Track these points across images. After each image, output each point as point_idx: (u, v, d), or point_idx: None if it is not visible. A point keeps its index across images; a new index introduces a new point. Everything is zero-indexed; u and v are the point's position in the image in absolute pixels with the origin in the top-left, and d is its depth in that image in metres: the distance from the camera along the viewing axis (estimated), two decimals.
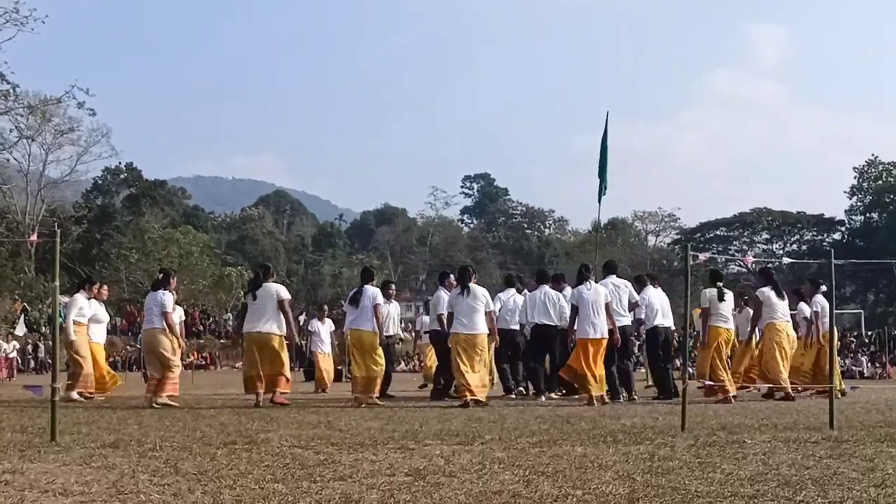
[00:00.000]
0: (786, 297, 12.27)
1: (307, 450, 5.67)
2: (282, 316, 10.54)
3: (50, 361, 30.96)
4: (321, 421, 8.06)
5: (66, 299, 12.90)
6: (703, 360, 11.60)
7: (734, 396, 11.10)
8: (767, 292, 11.90)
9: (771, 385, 11.70)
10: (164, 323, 10.96)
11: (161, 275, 11.79)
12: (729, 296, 11.65)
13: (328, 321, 16.72)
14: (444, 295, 12.52)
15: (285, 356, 10.66)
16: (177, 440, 6.29)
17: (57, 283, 6.92)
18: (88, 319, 12.04)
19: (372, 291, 10.85)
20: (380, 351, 10.81)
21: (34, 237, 9.82)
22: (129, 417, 8.61)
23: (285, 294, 10.65)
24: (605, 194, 18.67)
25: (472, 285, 10.71)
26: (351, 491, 4.09)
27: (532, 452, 5.52)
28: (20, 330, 32.57)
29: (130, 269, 48.33)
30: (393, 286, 13.89)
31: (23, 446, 5.90)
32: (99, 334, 12.46)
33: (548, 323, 11.99)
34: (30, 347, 33.72)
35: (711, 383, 11.06)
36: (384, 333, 11.25)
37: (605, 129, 17.43)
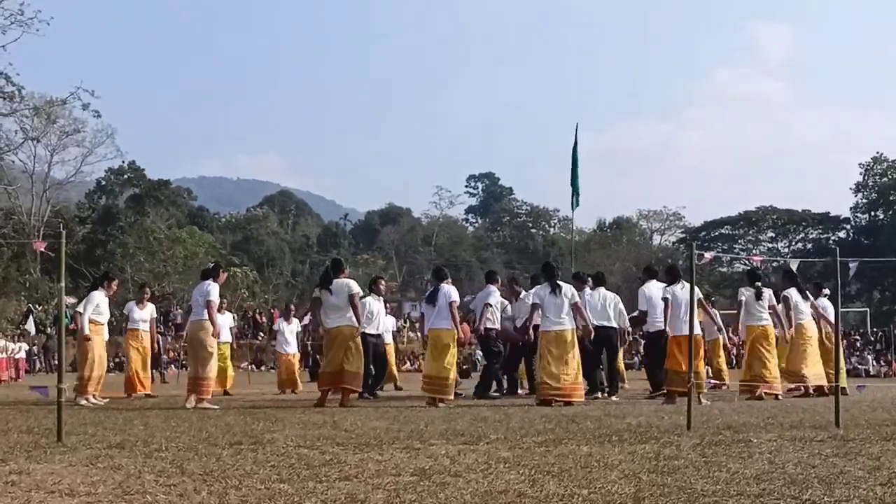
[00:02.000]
0: (809, 296, 12.43)
1: (313, 450, 5.67)
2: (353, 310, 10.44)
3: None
4: (326, 421, 8.06)
5: (71, 300, 12.81)
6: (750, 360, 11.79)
7: (777, 395, 11.32)
8: (794, 294, 12.03)
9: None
10: (207, 314, 10.53)
11: (211, 265, 11.47)
12: (766, 294, 11.81)
13: (294, 321, 16.34)
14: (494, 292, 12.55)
15: (360, 353, 10.57)
16: (182, 441, 6.30)
17: (63, 285, 6.94)
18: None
19: (447, 290, 10.81)
20: (454, 350, 10.76)
21: (40, 244, 9.86)
22: (135, 418, 8.62)
23: (357, 289, 10.57)
24: (577, 204, 19.12)
25: (560, 282, 10.77)
26: (356, 491, 4.10)
27: (537, 452, 5.52)
28: (30, 328, 32.68)
29: (136, 270, 48.39)
30: (383, 283, 13.82)
31: (29, 447, 5.91)
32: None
33: (606, 324, 12.14)
34: (35, 348, 33.78)
35: (716, 382, 11.15)
36: (362, 329, 11.19)
37: (574, 139, 17.62)
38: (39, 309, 37.99)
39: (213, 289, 10.62)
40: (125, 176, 64.12)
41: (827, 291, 12.73)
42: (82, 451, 5.64)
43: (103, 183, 64.53)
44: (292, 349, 15.78)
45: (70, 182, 56.47)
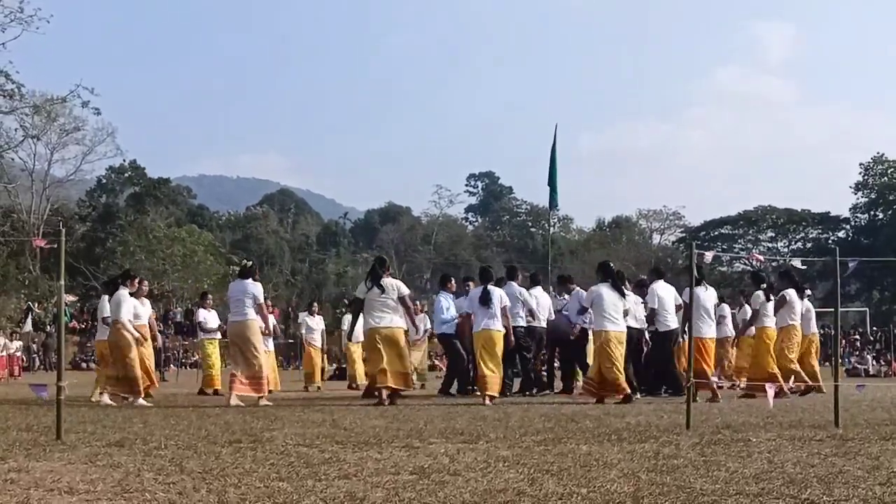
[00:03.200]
0: (806, 298, 12.54)
1: (312, 448, 5.67)
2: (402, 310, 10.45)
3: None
4: (326, 419, 8.06)
5: (71, 298, 12.70)
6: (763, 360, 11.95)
7: (790, 389, 11.44)
8: (792, 295, 12.08)
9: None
10: (256, 314, 10.50)
11: (249, 263, 11.36)
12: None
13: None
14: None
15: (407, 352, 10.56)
16: (182, 439, 6.30)
17: (62, 283, 6.94)
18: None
19: (499, 292, 10.93)
20: (501, 352, 10.85)
21: (40, 240, 9.82)
22: (135, 416, 8.62)
23: (406, 289, 10.56)
24: (557, 206, 19.37)
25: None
26: (356, 489, 4.10)
27: (537, 451, 5.52)
28: (27, 328, 32.64)
29: (135, 268, 48.33)
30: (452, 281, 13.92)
31: (28, 445, 5.91)
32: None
33: (632, 326, 12.21)
34: (34, 346, 33.79)
35: (719, 383, 11.31)
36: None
37: (553, 141, 17.74)
38: (38, 307, 37.95)
39: (258, 288, 10.60)
40: (126, 174, 64.10)
41: (809, 293, 12.89)
42: (81, 449, 5.64)
43: (104, 181, 64.54)
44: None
45: (70, 180, 56.41)
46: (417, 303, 11.43)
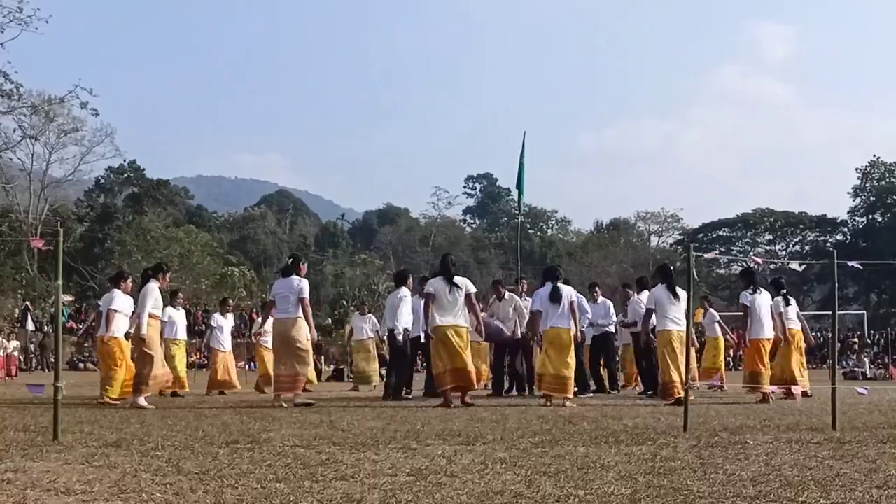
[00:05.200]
0: (794, 304, 12.69)
1: (309, 449, 5.67)
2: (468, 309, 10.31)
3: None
4: (323, 421, 8.06)
5: (68, 297, 12.61)
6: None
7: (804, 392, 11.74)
8: (779, 301, 12.31)
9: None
10: (301, 311, 10.30)
11: (291, 260, 10.98)
12: (792, 301, 12.51)
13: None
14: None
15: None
16: (179, 439, 6.30)
17: (60, 282, 6.93)
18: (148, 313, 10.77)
19: (568, 290, 10.85)
20: (572, 350, 10.76)
21: (37, 240, 9.73)
22: (132, 416, 8.61)
23: (473, 287, 10.43)
24: (522, 207, 19.66)
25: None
26: (353, 491, 4.09)
27: (534, 453, 5.52)
28: (29, 326, 32.61)
29: (132, 268, 48.28)
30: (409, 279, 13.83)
31: (25, 445, 5.90)
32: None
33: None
34: (31, 346, 33.75)
35: (720, 384, 11.48)
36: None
37: (522, 147, 17.86)
38: (34, 308, 37.91)
39: (304, 285, 10.42)
40: (125, 175, 64.10)
41: (784, 291, 13.00)
42: (78, 450, 5.63)
43: (102, 181, 64.52)
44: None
45: (68, 180, 56.35)
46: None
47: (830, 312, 8.39)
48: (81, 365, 30.98)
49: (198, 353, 31.32)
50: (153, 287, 10.82)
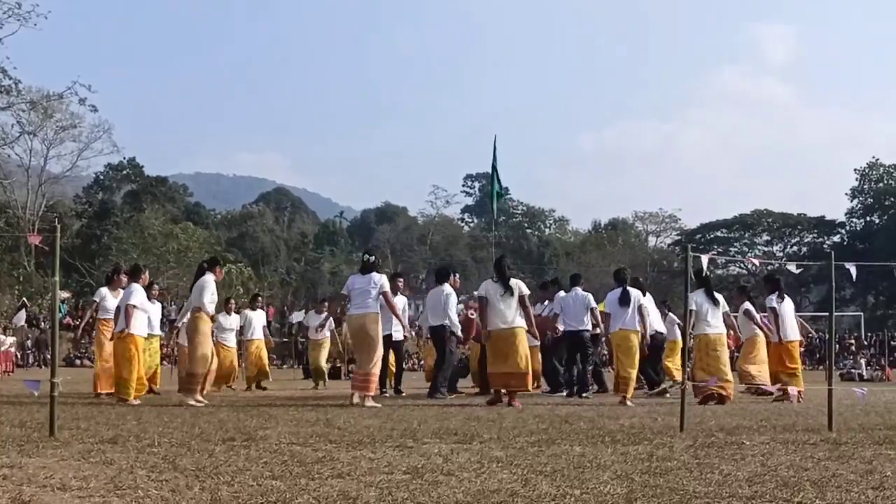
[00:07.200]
0: (790, 302, 12.79)
1: (305, 447, 5.66)
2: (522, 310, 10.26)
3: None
4: (320, 418, 8.05)
5: (65, 294, 12.57)
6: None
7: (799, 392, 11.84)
8: (775, 301, 12.33)
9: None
10: (379, 306, 10.17)
11: (370, 257, 10.64)
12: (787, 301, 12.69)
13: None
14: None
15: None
16: (175, 436, 6.29)
17: (57, 279, 6.92)
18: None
19: (636, 293, 11.08)
20: (638, 351, 11.08)
21: (35, 236, 9.65)
22: (128, 413, 8.61)
23: (526, 289, 10.37)
24: (496, 217, 19.80)
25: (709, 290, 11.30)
26: (349, 488, 4.09)
27: (530, 452, 5.52)
28: (21, 321, 32.51)
29: (130, 265, 48.16)
30: (401, 280, 13.85)
31: (21, 441, 5.90)
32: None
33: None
34: (28, 343, 33.72)
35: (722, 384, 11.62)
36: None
37: (493, 152, 17.91)
38: (31, 304, 37.87)
39: (385, 280, 10.31)
40: (123, 172, 64.03)
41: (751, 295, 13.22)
42: (74, 446, 5.63)
43: (101, 178, 64.45)
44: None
45: (66, 177, 56.28)
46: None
47: (828, 314, 8.40)
48: (78, 361, 30.96)
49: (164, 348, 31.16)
50: (210, 280, 10.47)
